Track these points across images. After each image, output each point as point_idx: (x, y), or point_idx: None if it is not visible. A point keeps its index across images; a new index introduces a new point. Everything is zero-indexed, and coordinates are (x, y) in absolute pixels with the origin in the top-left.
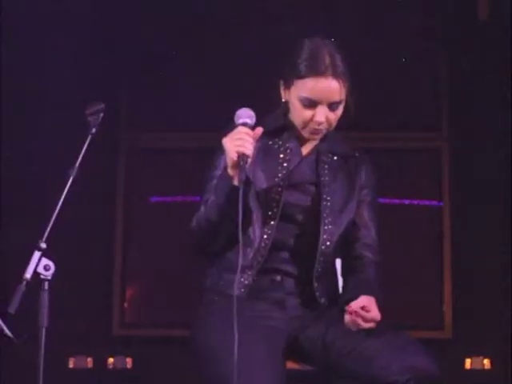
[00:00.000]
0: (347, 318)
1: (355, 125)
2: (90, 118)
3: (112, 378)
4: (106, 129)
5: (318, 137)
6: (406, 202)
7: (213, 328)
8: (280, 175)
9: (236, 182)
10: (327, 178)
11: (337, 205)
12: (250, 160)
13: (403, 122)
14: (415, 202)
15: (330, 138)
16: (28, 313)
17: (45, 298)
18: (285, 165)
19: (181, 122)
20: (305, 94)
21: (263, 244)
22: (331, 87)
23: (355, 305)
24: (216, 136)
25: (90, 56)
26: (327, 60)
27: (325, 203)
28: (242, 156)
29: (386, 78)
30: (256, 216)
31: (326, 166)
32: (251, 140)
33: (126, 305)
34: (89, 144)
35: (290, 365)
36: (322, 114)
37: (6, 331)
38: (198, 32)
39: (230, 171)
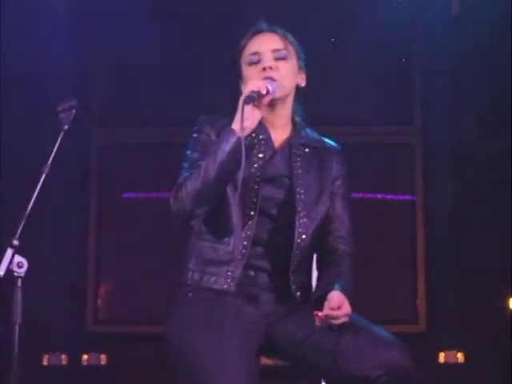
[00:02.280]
0: (317, 323)
1: (328, 118)
2: (62, 115)
3: (86, 375)
4: (78, 125)
5: (276, 89)
6: (379, 196)
7: (187, 324)
8: (256, 165)
9: (239, 133)
10: (300, 171)
11: (311, 197)
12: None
13: (376, 116)
14: (388, 196)
15: (301, 130)
16: (0, 310)
17: (18, 294)
18: (260, 156)
19: (154, 118)
20: (248, 52)
21: (244, 235)
22: (269, 36)
23: (325, 308)
24: (189, 132)
25: (64, 50)
26: (263, 25)
27: (298, 196)
28: (257, 92)
29: (359, 71)
30: (234, 206)
31: (299, 159)
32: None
33: (99, 301)
34: (61, 140)
35: (264, 361)
36: (267, 59)
37: None
38: (171, 26)
39: (237, 115)
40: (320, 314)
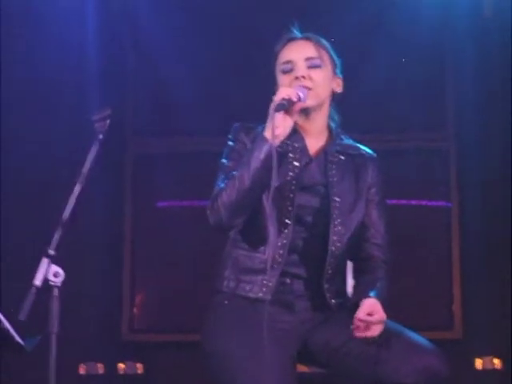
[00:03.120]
0: (355, 335)
1: (363, 125)
2: (96, 125)
3: None
4: (112, 134)
5: (310, 98)
6: (414, 202)
7: (223, 331)
8: (291, 174)
9: (271, 141)
10: (335, 179)
11: (346, 205)
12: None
13: (410, 123)
14: (423, 202)
15: (337, 137)
16: (38, 319)
17: (55, 304)
18: (296, 164)
19: (187, 127)
20: (282, 60)
21: (280, 244)
22: (303, 44)
23: (359, 314)
24: (222, 140)
25: (99, 60)
26: (297, 33)
27: (334, 204)
28: (287, 98)
29: (393, 78)
30: (270, 215)
31: (334, 166)
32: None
33: (135, 310)
34: (96, 150)
35: (300, 368)
36: (299, 68)
37: (17, 339)
38: (203, 37)
39: (268, 124)
40: (356, 332)
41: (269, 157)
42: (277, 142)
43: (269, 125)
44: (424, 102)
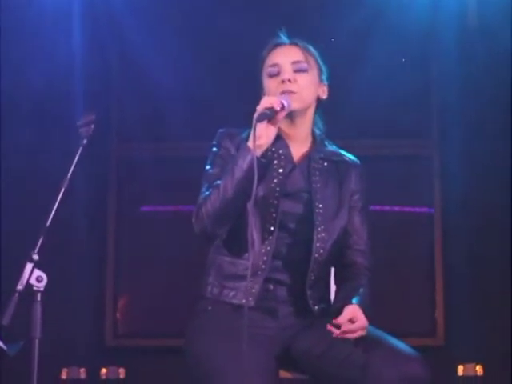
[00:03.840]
0: (334, 335)
1: (345, 131)
2: (81, 130)
3: None
4: (97, 139)
5: (294, 101)
6: (397, 208)
7: (206, 337)
8: (275, 181)
9: (254, 151)
10: (319, 185)
11: (329, 212)
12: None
13: (393, 129)
14: (406, 208)
15: (320, 144)
16: (20, 324)
17: (37, 309)
18: (280, 171)
19: (171, 132)
20: (268, 64)
21: (264, 250)
22: (290, 48)
23: (340, 319)
24: (206, 146)
25: (82, 66)
26: (285, 39)
27: (317, 210)
28: (269, 108)
29: (377, 86)
30: (254, 222)
31: (318, 173)
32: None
33: (118, 315)
34: (80, 155)
35: (283, 374)
36: (286, 72)
37: None
38: (188, 43)
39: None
40: (337, 331)
41: (252, 167)
42: (259, 152)
43: (252, 135)
44: (408, 109)
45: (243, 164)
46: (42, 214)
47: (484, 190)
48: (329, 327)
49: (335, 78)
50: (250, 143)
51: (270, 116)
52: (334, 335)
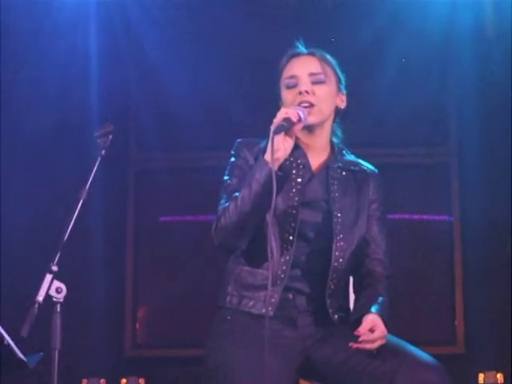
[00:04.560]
0: (353, 346)
1: (364, 140)
2: (99, 140)
3: None
4: (115, 150)
5: (313, 115)
6: (416, 217)
7: (226, 347)
8: (294, 190)
9: (271, 164)
10: (337, 194)
11: (348, 221)
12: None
13: (412, 138)
14: (425, 217)
15: (338, 152)
16: (40, 335)
17: (57, 320)
18: (298, 180)
19: (189, 142)
20: (286, 75)
21: (283, 260)
22: (307, 59)
23: (361, 329)
24: (224, 155)
25: (101, 77)
26: (302, 49)
27: (336, 219)
28: (286, 119)
29: (396, 94)
30: (273, 231)
31: (336, 182)
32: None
33: (137, 325)
34: (98, 166)
35: (303, 383)
36: (303, 84)
37: (19, 355)
38: (206, 52)
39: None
40: (355, 344)
41: (269, 180)
42: (277, 164)
43: (269, 147)
44: (426, 117)
45: (260, 177)
46: (61, 225)
47: (502, 197)
48: (351, 344)
49: (352, 87)
50: (267, 156)
51: (287, 128)
52: (353, 346)
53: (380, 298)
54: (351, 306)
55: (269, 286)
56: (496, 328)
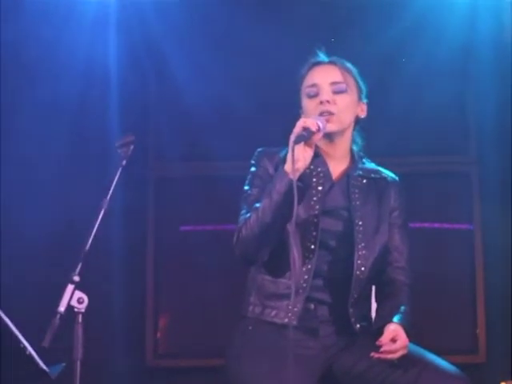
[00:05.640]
0: (375, 356)
1: (385, 149)
2: (120, 151)
3: None
4: (135, 159)
5: (332, 123)
6: (437, 225)
7: (248, 357)
8: (315, 199)
9: (291, 175)
10: (358, 203)
11: (369, 229)
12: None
13: (432, 146)
14: (446, 225)
15: (359, 161)
16: (62, 346)
17: (79, 330)
18: (319, 188)
19: (209, 151)
20: (307, 84)
21: (305, 269)
22: (329, 68)
23: (383, 340)
24: (244, 165)
25: (122, 87)
26: (324, 57)
27: (357, 228)
28: (306, 129)
29: (415, 103)
30: (294, 240)
31: (357, 190)
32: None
33: (159, 335)
34: (119, 175)
35: None
36: (324, 93)
37: (41, 365)
38: (225, 61)
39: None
40: (376, 354)
41: (290, 191)
42: (297, 174)
43: (289, 157)
44: (446, 125)
45: (281, 188)
46: (82, 236)
47: None
48: (372, 354)
49: (372, 96)
50: (287, 167)
51: (307, 138)
52: (375, 356)
53: (402, 307)
54: (373, 314)
55: (292, 296)
56: None
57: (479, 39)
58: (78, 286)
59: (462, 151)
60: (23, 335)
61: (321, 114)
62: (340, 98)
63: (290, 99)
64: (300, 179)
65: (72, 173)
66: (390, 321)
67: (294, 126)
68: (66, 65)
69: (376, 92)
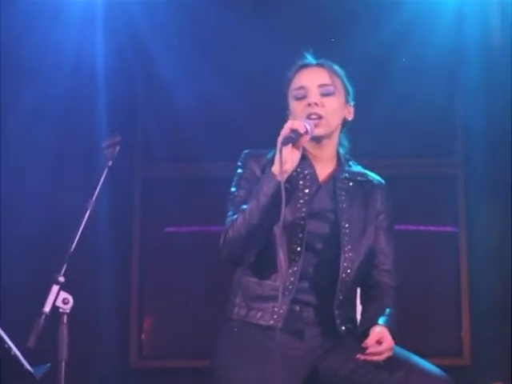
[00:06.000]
0: (361, 358)
1: (370, 151)
2: (106, 151)
3: None
4: (121, 160)
5: (321, 127)
6: (422, 228)
7: (234, 358)
8: (302, 201)
9: (279, 177)
10: (344, 205)
11: (355, 231)
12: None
13: (418, 149)
14: (431, 228)
15: (345, 163)
16: (47, 346)
17: (64, 331)
18: (306, 191)
19: (196, 153)
20: (295, 86)
21: (291, 271)
22: (316, 71)
23: (368, 342)
24: (230, 166)
25: (108, 87)
26: (311, 60)
27: (344, 230)
28: (294, 131)
29: (402, 105)
30: (280, 242)
31: (343, 193)
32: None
33: (143, 336)
34: (105, 176)
35: None
36: (312, 95)
37: (26, 366)
38: (213, 63)
39: (277, 156)
40: (362, 356)
41: (277, 193)
42: (285, 176)
43: (277, 159)
44: (433, 128)
45: (268, 190)
46: (67, 236)
47: (509, 208)
48: (358, 355)
49: (360, 98)
50: (275, 168)
51: (295, 139)
52: (360, 358)
53: (387, 310)
54: (358, 317)
55: (279, 298)
56: (502, 339)
57: (467, 43)
58: (63, 287)
59: (448, 153)
60: (8, 336)
61: (308, 117)
62: (328, 101)
63: (277, 100)
64: (287, 181)
65: (59, 173)
66: (376, 323)
67: (281, 127)
68: (54, 65)
69: (363, 94)
